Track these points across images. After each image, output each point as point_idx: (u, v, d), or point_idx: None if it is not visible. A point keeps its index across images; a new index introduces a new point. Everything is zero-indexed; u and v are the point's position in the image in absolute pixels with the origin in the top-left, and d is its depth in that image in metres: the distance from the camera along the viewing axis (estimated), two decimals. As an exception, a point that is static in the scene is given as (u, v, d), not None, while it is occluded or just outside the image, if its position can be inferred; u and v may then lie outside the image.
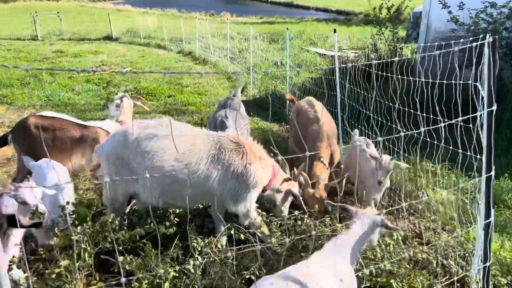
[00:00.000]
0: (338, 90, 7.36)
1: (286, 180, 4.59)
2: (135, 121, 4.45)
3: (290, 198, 4.66)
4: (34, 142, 5.32)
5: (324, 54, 17.18)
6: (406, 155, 5.99)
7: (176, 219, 3.98)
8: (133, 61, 18.02)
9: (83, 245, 3.38)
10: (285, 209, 4.69)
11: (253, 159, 4.14)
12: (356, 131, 5.97)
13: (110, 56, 19.52)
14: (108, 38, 26.36)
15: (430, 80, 4.46)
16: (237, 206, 4.10)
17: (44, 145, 5.32)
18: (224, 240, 4.21)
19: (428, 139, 4.30)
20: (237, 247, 4.04)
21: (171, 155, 3.98)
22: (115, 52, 21.09)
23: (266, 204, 4.82)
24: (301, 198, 4.68)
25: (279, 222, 4.55)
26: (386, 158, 4.78)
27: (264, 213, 4.49)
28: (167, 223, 3.80)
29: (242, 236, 4.16)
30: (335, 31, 7.30)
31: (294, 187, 4.65)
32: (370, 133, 6.12)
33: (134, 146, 4.06)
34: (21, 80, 13.46)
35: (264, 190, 4.38)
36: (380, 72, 5.61)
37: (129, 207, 4.75)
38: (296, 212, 4.61)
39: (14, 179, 5.48)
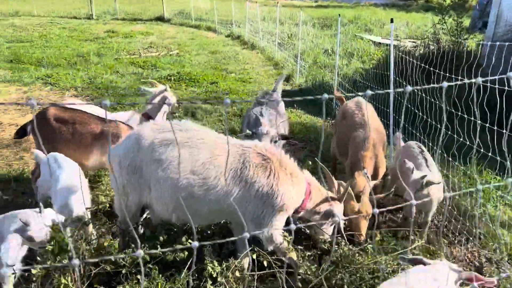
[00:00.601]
0: (392, 85, 6.55)
1: (327, 199, 3.91)
2: (150, 122, 3.97)
3: (331, 220, 3.98)
4: (53, 135, 5.01)
5: (380, 43, 16.09)
6: (463, 167, 5.22)
7: (189, 241, 3.48)
8: (182, 44, 17.72)
9: (63, 280, 2.95)
10: (325, 233, 4.05)
11: (282, 177, 3.55)
12: (398, 133, 5.24)
13: (160, 38, 19.34)
14: (160, 19, 26.27)
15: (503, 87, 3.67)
16: (260, 229, 3.53)
17: (63, 139, 5.00)
18: (246, 263, 3.68)
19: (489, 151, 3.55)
20: (260, 273, 3.51)
21: (188, 166, 3.47)
22: (165, 33, 20.92)
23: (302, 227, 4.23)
24: (342, 220, 3.99)
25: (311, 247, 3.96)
26: (416, 174, 4.14)
27: (290, 236, 3.89)
28: (178, 246, 3.31)
29: (265, 263, 3.61)
30: (392, 21, 6.48)
31: (337, 207, 3.91)
32: (426, 140, 5.36)
33: (147, 153, 3.60)
34: (69, 60, 13.47)
35: (296, 212, 3.77)
36: (442, 72, 4.82)
37: (143, 217, 4.32)
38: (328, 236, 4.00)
39: (33, 171, 5.22)
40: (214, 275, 3.35)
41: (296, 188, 3.62)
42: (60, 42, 17.04)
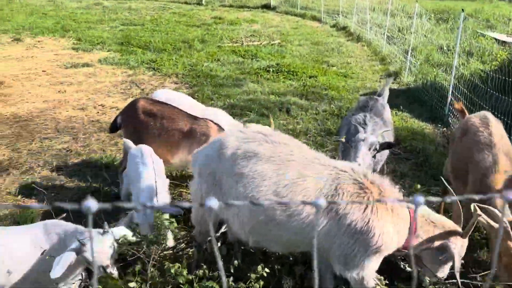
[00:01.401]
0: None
1: (447, 233, 3.17)
2: (236, 130, 3.57)
3: (445, 256, 3.25)
4: (141, 128, 4.88)
5: (504, 42, 14.22)
6: None
7: (265, 269, 3.06)
8: (285, 33, 17.32)
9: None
10: (441, 271, 3.32)
11: (382, 212, 2.96)
12: None
13: (264, 26, 19.14)
14: (266, 6, 26.10)
15: None
16: (348, 270, 2.98)
17: (150, 133, 4.85)
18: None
19: None
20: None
21: (270, 186, 3.04)
22: (270, 21, 20.68)
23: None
24: (458, 258, 3.25)
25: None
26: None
27: (382, 278, 3.24)
28: (253, 275, 2.90)
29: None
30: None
31: (457, 243, 3.16)
32: None
33: (228, 164, 3.23)
34: (174, 45, 13.75)
35: (398, 250, 3.14)
36: None
37: (220, 231, 3.98)
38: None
39: (121, 162, 5.17)
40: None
41: (398, 226, 3.00)
42: (168, 27, 17.56)
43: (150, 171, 4.15)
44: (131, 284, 2.93)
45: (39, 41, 13.89)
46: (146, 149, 4.51)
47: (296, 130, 7.42)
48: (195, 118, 5.00)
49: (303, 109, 8.42)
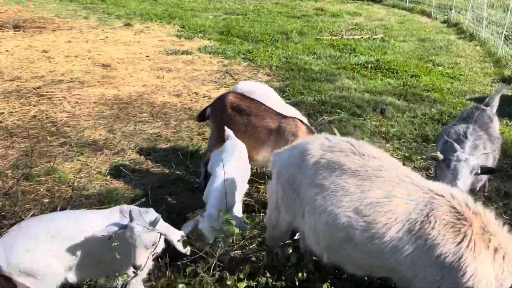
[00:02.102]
0: None
1: None
2: (322, 135, 3.32)
3: None
4: (227, 122, 4.82)
5: None
6: None
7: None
8: (389, 27, 16.44)
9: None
10: None
11: (480, 250, 2.54)
12: None
13: (367, 19, 18.38)
14: (373, -2, 25.06)
15: None
16: None
17: (236, 129, 4.78)
18: None
19: None
20: None
21: (352, 203, 2.77)
22: (374, 14, 19.82)
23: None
24: None
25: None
26: None
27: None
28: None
29: None
30: None
31: None
32: None
33: (310, 173, 3.01)
34: (272, 36, 13.70)
35: None
36: None
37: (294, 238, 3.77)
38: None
39: (205, 153, 5.19)
40: None
41: (500, 270, 2.55)
42: (269, 17, 17.58)
43: (226, 173, 4.05)
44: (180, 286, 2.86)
45: (147, 27, 14.67)
46: (235, 145, 4.45)
47: (389, 133, 6.94)
48: (284, 116, 4.84)
49: (400, 111, 7.85)
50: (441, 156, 3.85)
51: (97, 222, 3.15)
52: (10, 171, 5.36)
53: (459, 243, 2.53)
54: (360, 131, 6.95)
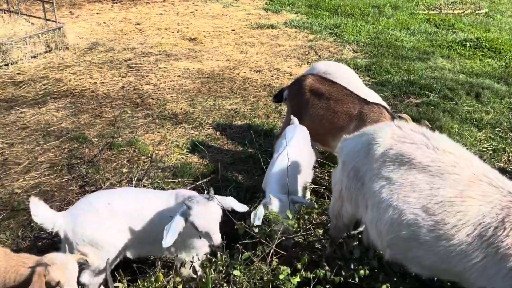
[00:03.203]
0: None
1: None
2: (393, 124, 3.07)
3: None
4: (305, 106, 4.68)
5: None
6: None
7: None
8: (496, 1, 14.85)
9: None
10: None
11: None
12: None
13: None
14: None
15: None
16: None
17: (313, 113, 4.63)
18: None
19: None
20: None
21: (420, 200, 2.55)
22: (480, -14, 18.01)
23: None
24: None
25: None
26: None
27: None
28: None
29: None
30: None
31: None
32: None
33: (377, 164, 2.83)
34: (363, 10, 13.04)
35: None
36: None
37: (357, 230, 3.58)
38: None
39: (277, 137, 5.11)
40: None
41: None
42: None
43: (285, 156, 3.94)
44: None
45: (236, 0, 14.70)
46: (294, 131, 4.31)
47: (482, 121, 6.34)
48: (367, 102, 4.57)
49: (498, 96, 7.12)
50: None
51: (155, 203, 3.25)
52: (96, 139, 5.73)
53: None
54: (450, 116, 6.42)
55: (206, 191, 3.11)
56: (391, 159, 2.79)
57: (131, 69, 8.24)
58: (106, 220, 3.11)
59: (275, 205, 3.48)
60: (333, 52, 9.47)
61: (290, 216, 3.31)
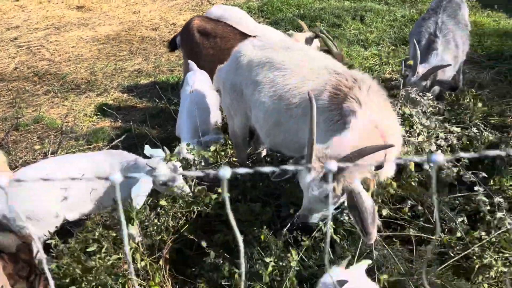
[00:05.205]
0: None
1: None
2: (254, 38, 3.77)
3: None
4: (196, 48, 4.86)
5: None
6: None
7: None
8: None
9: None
10: None
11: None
12: None
13: None
14: None
15: None
16: None
17: (205, 53, 4.82)
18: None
19: None
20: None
21: (277, 91, 3.17)
22: None
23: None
24: None
25: None
26: None
27: None
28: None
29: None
30: None
31: None
32: None
33: (246, 73, 3.40)
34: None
35: None
36: None
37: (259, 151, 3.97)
38: None
39: (180, 86, 5.28)
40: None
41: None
42: None
43: (191, 101, 4.16)
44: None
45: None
46: (194, 76, 4.50)
47: (367, 40, 6.94)
48: (246, 36, 4.83)
49: (379, 16, 7.76)
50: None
51: (82, 165, 3.35)
52: (0, 123, 5.54)
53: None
54: (339, 41, 6.93)
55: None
56: (256, 64, 3.31)
57: (20, 48, 7.81)
58: (39, 192, 3.16)
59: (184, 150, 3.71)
60: (225, -1, 9.58)
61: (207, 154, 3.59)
